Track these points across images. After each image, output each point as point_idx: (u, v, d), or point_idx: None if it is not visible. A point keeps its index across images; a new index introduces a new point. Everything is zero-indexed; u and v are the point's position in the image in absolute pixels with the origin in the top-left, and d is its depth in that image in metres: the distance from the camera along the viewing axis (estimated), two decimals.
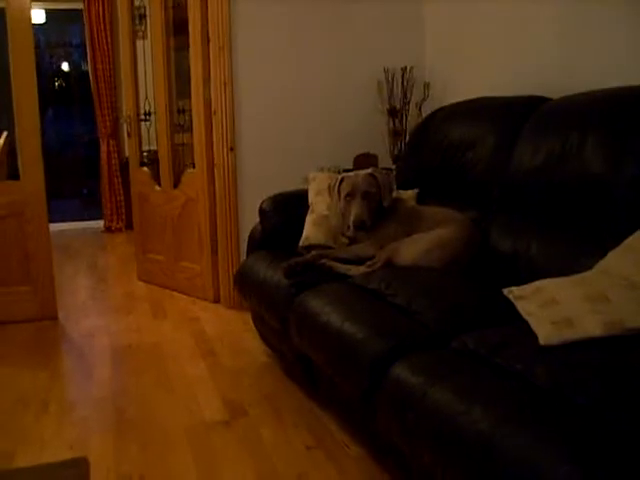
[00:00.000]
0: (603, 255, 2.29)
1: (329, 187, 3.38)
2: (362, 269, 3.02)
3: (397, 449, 2.18)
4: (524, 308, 2.18)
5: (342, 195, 3.25)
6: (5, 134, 5.79)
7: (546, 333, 1.97)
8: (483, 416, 1.71)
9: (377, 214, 3.21)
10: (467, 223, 3.10)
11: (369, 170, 3.31)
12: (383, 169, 4.25)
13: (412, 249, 2.99)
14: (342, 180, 3.28)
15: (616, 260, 2.23)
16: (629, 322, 1.91)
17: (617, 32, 3.09)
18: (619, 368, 1.75)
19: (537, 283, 2.28)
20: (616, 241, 2.31)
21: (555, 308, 2.06)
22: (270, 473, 2.58)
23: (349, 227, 3.23)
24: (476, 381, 1.90)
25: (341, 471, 2.58)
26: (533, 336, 2.00)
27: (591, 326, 1.93)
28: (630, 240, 2.25)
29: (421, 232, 3.08)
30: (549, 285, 2.22)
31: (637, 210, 2.43)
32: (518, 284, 2.35)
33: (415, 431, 1.93)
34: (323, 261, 3.15)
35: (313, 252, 3.24)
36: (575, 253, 2.61)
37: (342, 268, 3.09)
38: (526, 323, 2.10)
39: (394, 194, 3.34)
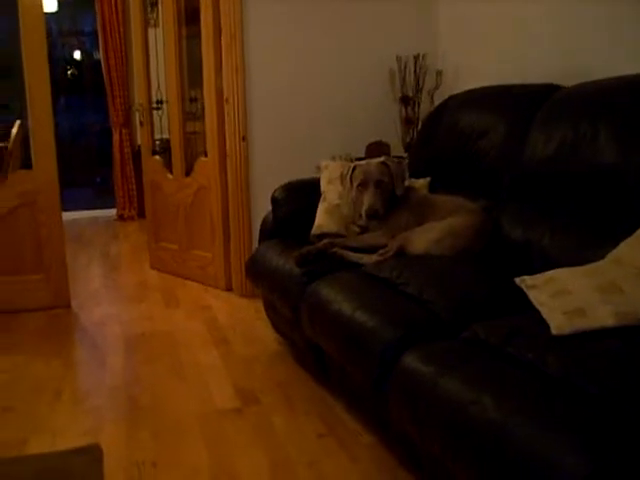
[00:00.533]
0: (615, 245, 2.27)
1: (341, 175, 3.37)
2: (374, 258, 3.02)
3: (408, 437, 2.18)
4: (536, 298, 2.17)
5: (354, 184, 3.25)
6: (18, 123, 5.81)
7: (558, 323, 1.96)
8: (494, 406, 1.71)
9: (389, 203, 3.21)
10: (479, 212, 3.10)
11: (381, 159, 3.30)
12: (395, 157, 4.24)
13: (424, 238, 2.98)
14: (354, 168, 3.28)
15: (629, 250, 2.21)
16: None
17: (630, 18, 3.07)
18: (632, 358, 1.74)
19: (549, 273, 2.27)
20: (629, 231, 2.29)
21: (567, 298, 2.05)
22: (282, 461, 2.59)
23: (361, 216, 3.23)
24: (487, 370, 1.90)
25: (353, 459, 2.59)
26: (545, 326, 2.00)
27: (603, 316, 1.92)
28: None
29: (433, 221, 3.07)
30: (561, 275, 2.21)
31: None
32: (530, 273, 2.34)
33: (426, 420, 1.94)
34: (335, 250, 3.15)
35: (325, 240, 3.24)
36: (587, 242, 2.59)
37: (354, 257, 3.09)
38: (538, 312, 2.10)
39: (406, 183, 3.33)
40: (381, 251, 3.05)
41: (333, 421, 2.89)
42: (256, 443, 2.73)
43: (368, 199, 3.17)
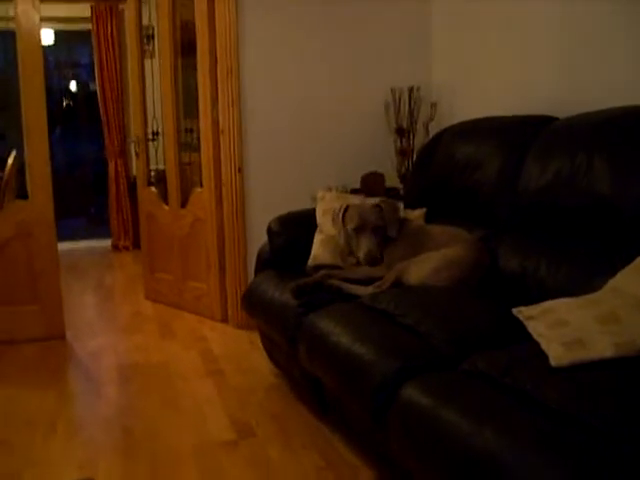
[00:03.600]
0: (612, 275, 2.28)
1: (333, 214, 3.36)
2: (370, 289, 3.02)
3: (408, 471, 2.17)
4: (535, 328, 2.16)
5: (348, 226, 3.25)
6: (14, 153, 5.82)
7: (557, 354, 1.96)
8: (494, 438, 1.70)
9: (385, 242, 3.22)
10: (475, 243, 3.10)
11: (375, 200, 3.31)
12: (389, 190, 4.27)
13: (420, 268, 2.98)
14: (347, 209, 3.28)
15: (626, 280, 2.22)
16: None
17: (622, 48, 3.10)
18: (632, 390, 1.74)
19: (546, 303, 2.27)
20: (626, 261, 2.30)
21: (565, 329, 2.04)
22: None
23: (357, 258, 3.24)
24: (487, 402, 1.89)
25: None
26: (543, 357, 1.99)
27: (602, 347, 1.92)
28: None
29: (429, 251, 3.07)
30: (558, 305, 2.21)
31: None
32: (527, 304, 2.34)
33: (426, 452, 1.93)
34: (331, 281, 3.15)
35: (322, 272, 3.24)
36: (584, 273, 2.60)
37: (351, 289, 3.09)
38: (536, 343, 2.09)
39: (401, 214, 3.34)
40: (377, 283, 3.05)
41: (331, 454, 2.87)
42: (252, 476, 2.70)
43: (366, 245, 3.17)
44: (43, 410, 3.37)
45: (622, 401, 1.70)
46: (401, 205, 3.50)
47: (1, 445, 3.02)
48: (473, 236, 3.18)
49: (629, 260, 2.28)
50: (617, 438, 1.58)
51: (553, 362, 1.95)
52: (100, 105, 7.92)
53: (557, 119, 3.13)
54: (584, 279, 2.56)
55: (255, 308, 3.54)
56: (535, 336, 2.13)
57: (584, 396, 1.75)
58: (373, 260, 3.15)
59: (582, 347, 1.94)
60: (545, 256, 2.82)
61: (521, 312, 2.31)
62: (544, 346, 2.04)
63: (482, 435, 1.73)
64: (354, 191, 4.41)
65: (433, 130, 4.34)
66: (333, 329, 2.68)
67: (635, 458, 1.52)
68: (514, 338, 2.23)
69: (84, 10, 7.75)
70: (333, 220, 3.37)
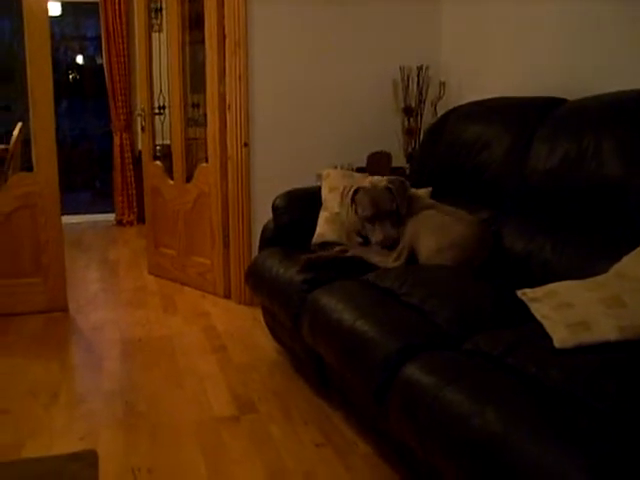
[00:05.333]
0: (618, 258, 2.27)
1: (341, 195, 3.34)
2: (390, 262, 3.05)
3: (407, 448, 2.17)
4: (538, 310, 2.16)
5: (360, 211, 3.20)
6: (20, 125, 5.82)
7: (561, 336, 1.95)
8: (496, 418, 1.70)
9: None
10: (478, 224, 3.08)
11: (384, 182, 3.24)
12: (395, 170, 4.25)
13: (427, 244, 2.97)
14: (357, 191, 3.23)
15: (632, 264, 2.21)
16: None
17: (632, 31, 3.07)
18: (635, 373, 1.73)
19: (551, 286, 2.27)
20: (631, 245, 2.30)
21: (570, 311, 2.04)
22: (278, 470, 2.58)
23: (365, 240, 3.26)
24: (489, 383, 1.89)
25: (350, 469, 2.58)
26: (547, 338, 1.99)
27: (606, 330, 1.91)
28: None
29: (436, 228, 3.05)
30: (563, 288, 2.21)
31: None
32: (531, 285, 2.34)
33: (427, 431, 1.92)
34: (351, 252, 3.19)
35: (337, 248, 3.29)
36: (590, 256, 2.59)
37: (375, 259, 3.11)
38: (539, 325, 2.09)
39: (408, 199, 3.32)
40: (394, 255, 3.08)
41: (331, 431, 2.88)
42: (253, 452, 2.71)
43: (382, 232, 3.14)
44: (46, 382, 3.39)
45: (625, 384, 1.70)
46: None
47: (4, 415, 3.03)
48: (476, 217, 3.16)
49: (635, 244, 2.28)
50: (620, 420, 1.58)
51: (557, 344, 1.94)
52: (106, 78, 7.89)
53: (566, 101, 3.11)
54: (589, 262, 2.55)
55: (259, 284, 3.54)
56: (539, 318, 2.13)
57: (587, 378, 1.75)
58: (390, 245, 3.14)
59: (586, 329, 1.94)
60: (550, 238, 2.81)
61: (525, 294, 2.31)
62: (548, 328, 2.04)
63: (484, 415, 1.73)
64: (360, 170, 4.40)
65: (441, 110, 4.31)
66: (336, 306, 2.68)
67: (634, 437, 1.52)
68: (518, 319, 2.23)
69: None
70: (341, 199, 3.35)
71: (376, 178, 3.35)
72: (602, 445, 1.51)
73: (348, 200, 3.25)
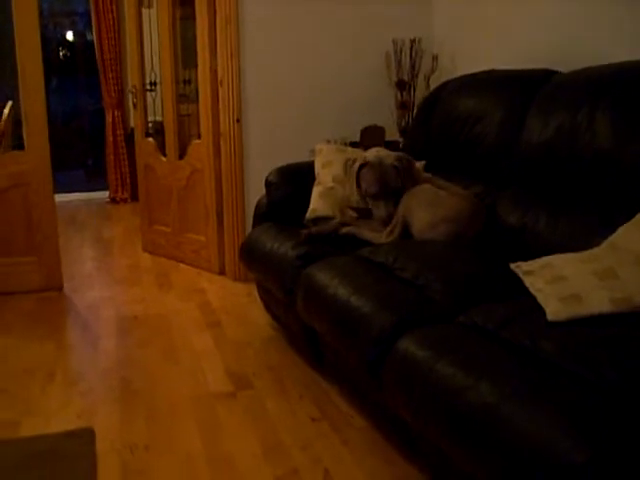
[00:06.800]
0: (612, 231, 2.27)
1: (345, 166, 3.32)
2: (383, 237, 3.05)
3: (402, 422, 2.18)
4: (532, 284, 2.17)
5: (365, 187, 3.17)
6: (10, 103, 5.77)
7: (554, 309, 1.96)
8: (490, 390, 1.71)
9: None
10: (471, 198, 3.07)
11: (392, 159, 3.18)
12: (389, 143, 4.23)
13: (419, 219, 2.97)
14: (363, 165, 3.18)
15: (625, 236, 2.21)
16: (638, 298, 1.90)
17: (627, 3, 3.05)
18: (627, 344, 1.74)
19: (545, 259, 2.27)
20: (625, 217, 2.29)
21: (563, 284, 2.05)
22: (275, 444, 2.59)
23: (361, 214, 3.27)
24: (483, 355, 1.90)
25: (346, 442, 2.59)
26: (540, 311, 2.00)
27: (599, 302, 1.92)
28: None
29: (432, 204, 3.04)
30: (557, 261, 2.21)
31: None
32: (526, 258, 2.34)
33: (421, 404, 1.94)
34: (345, 229, 3.19)
35: (335, 220, 3.29)
36: (584, 228, 2.59)
37: (364, 234, 3.11)
38: (533, 298, 2.10)
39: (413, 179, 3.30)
40: (388, 229, 3.08)
41: (326, 405, 2.89)
42: (249, 427, 2.73)
43: (385, 210, 3.13)
44: (42, 360, 3.39)
45: (617, 355, 1.70)
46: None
47: (0, 394, 3.04)
48: (468, 192, 3.15)
49: (629, 217, 2.27)
50: (611, 391, 1.59)
51: (550, 317, 1.95)
52: (97, 55, 7.82)
53: (559, 73, 3.09)
54: (583, 235, 2.55)
55: (253, 260, 3.54)
56: (532, 291, 2.14)
57: (580, 350, 1.76)
58: (389, 223, 3.13)
59: (579, 302, 1.95)
60: (544, 211, 2.81)
61: (519, 267, 2.32)
62: (541, 301, 2.04)
63: (477, 388, 1.74)
64: (353, 144, 4.38)
65: (434, 83, 4.29)
66: (331, 281, 2.68)
67: (628, 409, 1.53)
68: (512, 293, 2.24)
69: None
70: (345, 171, 3.33)
71: (383, 152, 3.27)
72: (593, 416, 1.52)
73: (353, 174, 3.23)
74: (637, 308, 1.89)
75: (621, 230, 2.24)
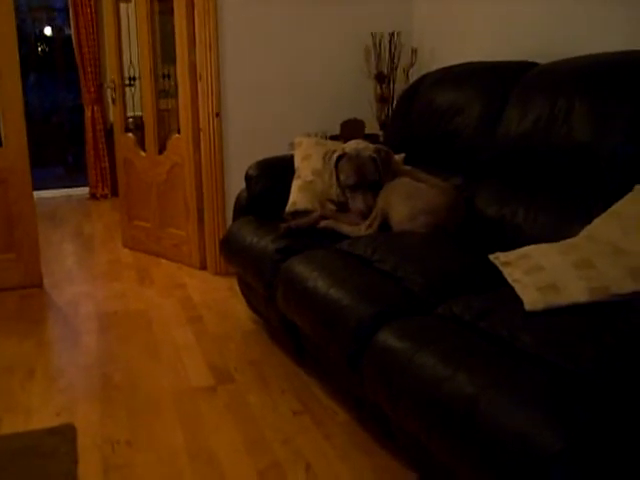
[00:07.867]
0: (589, 221, 2.29)
1: (324, 157, 3.32)
2: (362, 230, 3.06)
3: (382, 414, 2.19)
4: (510, 274, 2.18)
5: (343, 179, 3.18)
6: None
7: (531, 299, 1.97)
8: (468, 381, 1.72)
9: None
10: (450, 189, 3.08)
11: (370, 151, 3.19)
12: (369, 137, 4.23)
13: (398, 212, 2.97)
14: (341, 157, 3.20)
15: (602, 226, 2.23)
16: (614, 288, 1.92)
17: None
18: (604, 334, 1.75)
19: (523, 249, 2.28)
20: (602, 207, 2.32)
21: (541, 274, 2.06)
22: (257, 438, 2.59)
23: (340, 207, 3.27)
24: (461, 347, 1.90)
25: (327, 436, 2.60)
26: (519, 302, 2.01)
27: (576, 292, 1.93)
28: (616, 206, 2.25)
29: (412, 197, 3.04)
30: (535, 251, 2.22)
31: (623, 176, 2.43)
32: (504, 250, 2.36)
33: (400, 396, 1.94)
34: (324, 223, 3.19)
35: (315, 214, 3.27)
36: (561, 219, 2.61)
37: (343, 228, 3.11)
38: (512, 289, 2.11)
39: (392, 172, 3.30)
40: (367, 222, 3.08)
41: (308, 399, 2.90)
42: (231, 421, 2.73)
43: (362, 202, 3.14)
44: (21, 357, 3.37)
45: (594, 345, 1.72)
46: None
47: None
48: (448, 184, 3.16)
49: (605, 207, 2.30)
50: (588, 380, 1.61)
51: (527, 307, 1.96)
52: (75, 50, 7.76)
53: (538, 64, 3.10)
54: (561, 226, 2.57)
55: (233, 254, 3.53)
56: (510, 281, 2.15)
57: (557, 340, 1.77)
58: (367, 215, 3.14)
59: (556, 292, 1.96)
60: (523, 203, 2.82)
61: (497, 258, 2.33)
62: (519, 291, 2.06)
63: (456, 379, 1.75)
64: (333, 138, 4.38)
65: (413, 76, 4.30)
66: (310, 274, 2.68)
67: (606, 399, 1.55)
68: (490, 284, 2.25)
69: None
70: (324, 162, 3.32)
71: (362, 143, 3.27)
72: (570, 405, 1.53)
73: (332, 165, 3.23)
74: (613, 297, 1.91)
75: (598, 221, 2.26)
